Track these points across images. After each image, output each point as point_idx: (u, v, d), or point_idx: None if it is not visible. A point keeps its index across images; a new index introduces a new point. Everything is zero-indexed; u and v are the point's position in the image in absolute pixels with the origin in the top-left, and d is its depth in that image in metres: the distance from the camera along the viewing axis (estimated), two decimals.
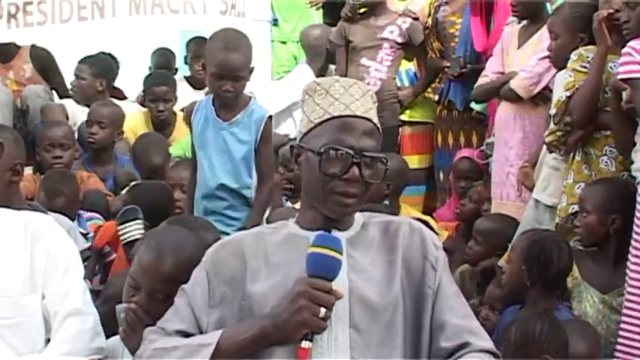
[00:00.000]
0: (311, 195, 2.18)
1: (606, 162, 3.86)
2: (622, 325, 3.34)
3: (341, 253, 2.07)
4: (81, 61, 5.89)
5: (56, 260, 2.48)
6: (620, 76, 3.43)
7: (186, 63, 6.49)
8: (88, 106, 5.58)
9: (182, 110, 5.95)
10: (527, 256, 3.34)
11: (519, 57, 4.72)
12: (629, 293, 3.32)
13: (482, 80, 4.96)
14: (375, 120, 2.17)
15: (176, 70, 6.62)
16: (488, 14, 5.21)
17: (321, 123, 2.15)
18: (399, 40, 5.79)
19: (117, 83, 6.24)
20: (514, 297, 3.50)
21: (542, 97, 4.46)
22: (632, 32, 3.50)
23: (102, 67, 5.86)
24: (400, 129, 5.90)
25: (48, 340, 2.47)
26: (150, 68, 6.56)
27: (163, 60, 6.58)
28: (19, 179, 3.07)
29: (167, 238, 2.43)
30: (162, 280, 2.32)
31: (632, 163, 3.58)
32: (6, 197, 2.76)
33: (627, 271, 3.33)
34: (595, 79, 3.78)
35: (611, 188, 3.62)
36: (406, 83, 6.01)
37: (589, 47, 3.95)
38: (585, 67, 3.86)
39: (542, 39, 4.57)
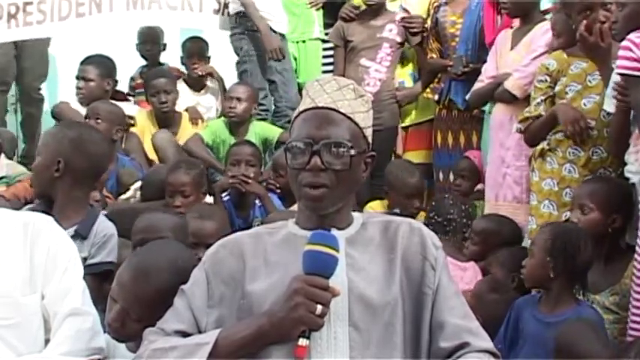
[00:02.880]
0: (294, 193, 2.19)
1: (569, 169, 3.88)
2: (631, 324, 3.34)
3: (337, 251, 2.07)
4: (84, 62, 5.79)
5: (56, 260, 2.48)
6: (618, 71, 3.43)
7: (182, 64, 6.46)
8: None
9: (186, 110, 5.96)
10: (553, 247, 3.31)
11: (513, 58, 4.74)
12: (636, 292, 3.32)
13: (477, 85, 4.98)
14: (346, 110, 2.16)
15: (164, 45, 6.57)
16: (499, 9, 5.21)
17: (293, 123, 2.20)
18: (398, 39, 5.79)
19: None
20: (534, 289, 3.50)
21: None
22: (619, 33, 3.52)
23: (107, 67, 5.80)
24: (402, 129, 5.91)
25: (47, 341, 2.47)
26: (137, 46, 6.52)
27: (150, 32, 6.50)
28: None
29: (149, 260, 2.40)
30: (136, 302, 2.33)
31: (624, 164, 3.60)
32: None
33: (634, 270, 3.33)
34: (543, 127, 4.02)
35: (612, 187, 3.63)
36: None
37: (553, 54, 4.03)
38: (542, 82, 3.99)
39: (534, 39, 4.61)
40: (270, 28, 6.06)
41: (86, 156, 3.34)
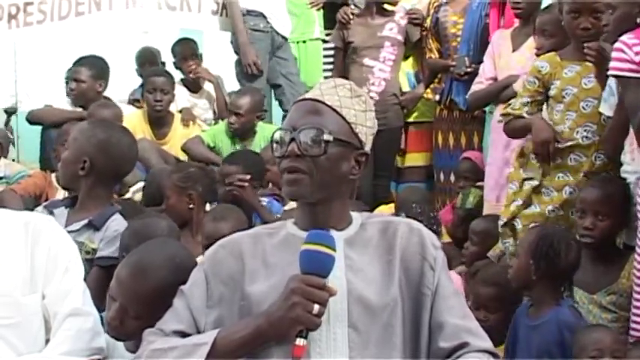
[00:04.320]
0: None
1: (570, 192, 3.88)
2: (632, 325, 3.34)
3: (334, 250, 2.07)
4: (77, 63, 5.77)
5: (57, 260, 2.48)
6: (611, 72, 3.43)
7: (176, 68, 6.43)
8: (82, 107, 5.58)
9: (180, 112, 5.97)
10: (536, 251, 3.31)
11: (516, 59, 4.72)
12: (637, 292, 3.33)
13: (476, 87, 4.96)
14: (334, 103, 2.16)
15: (163, 64, 6.57)
16: (503, 7, 5.22)
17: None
18: (399, 37, 5.79)
19: (117, 81, 6.22)
20: (519, 291, 3.50)
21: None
22: (610, 35, 3.53)
23: (100, 69, 5.78)
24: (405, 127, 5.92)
25: (48, 341, 2.47)
26: (137, 70, 6.54)
27: (148, 54, 6.54)
28: None
29: (148, 257, 2.41)
30: (135, 299, 2.33)
31: (621, 164, 3.61)
32: None
33: (634, 270, 3.34)
34: (521, 131, 4.04)
35: (621, 190, 3.60)
36: (406, 87, 5.99)
37: (546, 56, 4.02)
38: (532, 83, 4.01)
39: None
40: (274, 30, 6.08)
41: (112, 159, 3.43)
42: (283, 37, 6.21)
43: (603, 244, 3.57)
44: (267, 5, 6.07)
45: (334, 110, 2.16)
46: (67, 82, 5.92)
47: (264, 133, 5.60)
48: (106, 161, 3.40)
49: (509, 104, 4.14)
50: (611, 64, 3.39)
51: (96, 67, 5.75)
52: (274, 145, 2.17)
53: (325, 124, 2.14)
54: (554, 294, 3.32)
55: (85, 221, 3.32)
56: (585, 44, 3.71)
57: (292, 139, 2.12)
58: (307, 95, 2.21)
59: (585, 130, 3.87)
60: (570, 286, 3.39)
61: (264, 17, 6.09)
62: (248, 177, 4.59)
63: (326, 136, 2.12)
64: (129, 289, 2.34)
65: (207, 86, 6.35)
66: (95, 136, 3.43)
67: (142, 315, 2.28)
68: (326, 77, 5.98)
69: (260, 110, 5.64)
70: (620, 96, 3.52)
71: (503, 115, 4.15)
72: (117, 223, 3.38)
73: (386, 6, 5.85)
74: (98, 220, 3.35)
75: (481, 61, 5.18)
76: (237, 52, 6.47)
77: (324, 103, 2.17)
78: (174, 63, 6.39)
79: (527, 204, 3.95)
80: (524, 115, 4.02)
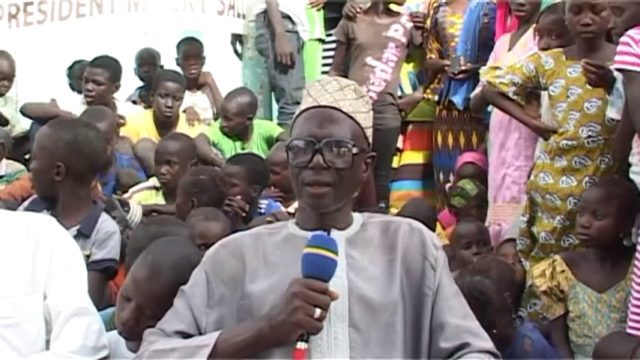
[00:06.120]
0: (295, 191, 2.20)
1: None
2: (630, 323, 3.34)
3: (336, 254, 2.07)
4: (93, 64, 5.66)
5: (59, 261, 2.47)
6: (616, 66, 3.43)
7: (178, 65, 6.39)
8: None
9: (184, 111, 5.96)
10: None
11: (510, 59, 4.72)
12: (636, 291, 3.32)
13: (478, 90, 4.97)
14: (348, 109, 2.17)
15: (161, 67, 6.54)
16: (509, 8, 5.22)
17: (295, 121, 2.21)
18: (404, 39, 5.80)
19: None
20: None
21: (534, 94, 4.38)
22: (618, 37, 3.53)
23: (115, 71, 5.70)
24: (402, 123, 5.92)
25: (47, 342, 2.47)
26: (135, 69, 6.52)
27: (147, 55, 6.54)
28: None
29: (163, 256, 2.42)
30: (152, 299, 2.34)
31: (629, 165, 3.60)
32: None
33: (634, 269, 3.34)
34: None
35: (625, 191, 3.58)
36: (408, 89, 5.99)
37: (552, 51, 4.05)
38: (530, 70, 4.04)
39: (530, 38, 4.60)
40: (298, 33, 6.10)
41: (84, 156, 3.38)
42: (302, 42, 6.24)
43: (605, 244, 3.55)
44: (293, 8, 6.09)
45: (349, 117, 2.16)
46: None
47: (260, 130, 5.63)
48: (79, 161, 3.35)
49: (497, 74, 4.15)
50: (617, 57, 3.39)
51: (112, 69, 5.67)
52: (290, 153, 2.16)
53: (346, 133, 2.14)
54: (511, 325, 3.32)
55: (74, 232, 3.26)
56: (583, 61, 3.69)
57: (316, 151, 2.11)
58: (319, 101, 2.17)
59: (590, 130, 3.86)
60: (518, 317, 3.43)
61: (291, 19, 6.12)
62: (247, 207, 4.50)
63: (354, 149, 2.12)
64: (145, 289, 2.35)
65: (206, 91, 6.36)
66: (61, 138, 3.36)
67: (158, 314, 2.27)
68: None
69: (250, 112, 5.63)
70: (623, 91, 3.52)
71: (488, 82, 4.18)
72: (106, 225, 3.37)
73: (392, 6, 5.85)
74: (87, 228, 3.33)
75: (479, 61, 5.18)
76: (237, 53, 6.48)
77: (339, 109, 2.16)
78: (177, 60, 6.38)
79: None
80: (510, 94, 4.09)
